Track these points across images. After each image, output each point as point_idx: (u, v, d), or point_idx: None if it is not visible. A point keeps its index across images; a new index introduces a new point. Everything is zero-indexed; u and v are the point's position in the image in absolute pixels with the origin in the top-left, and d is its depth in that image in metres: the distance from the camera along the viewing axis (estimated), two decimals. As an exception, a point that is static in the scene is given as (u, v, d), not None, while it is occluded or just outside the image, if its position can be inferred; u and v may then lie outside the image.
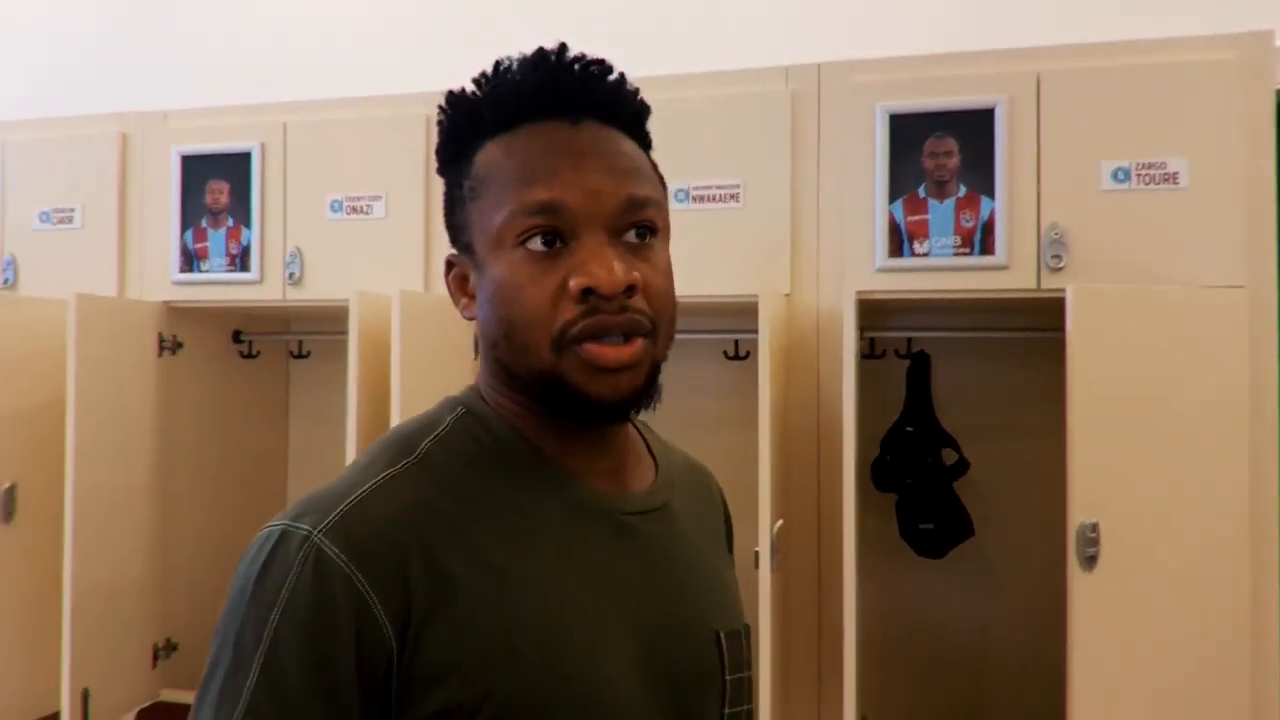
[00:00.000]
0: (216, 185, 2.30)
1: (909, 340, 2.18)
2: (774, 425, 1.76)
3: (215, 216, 2.30)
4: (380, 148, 2.19)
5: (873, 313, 2.13)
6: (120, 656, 2.19)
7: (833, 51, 2.05)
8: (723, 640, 0.85)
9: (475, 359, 1.86)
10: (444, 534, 0.74)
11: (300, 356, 2.66)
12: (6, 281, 2.43)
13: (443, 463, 0.79)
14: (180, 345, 2.37)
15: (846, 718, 1.64)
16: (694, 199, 2.00)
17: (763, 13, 2.49)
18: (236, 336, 2.58)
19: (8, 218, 2.45)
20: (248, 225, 2.27)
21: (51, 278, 2.38)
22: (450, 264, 0.85)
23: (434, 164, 0.88)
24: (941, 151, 1.84)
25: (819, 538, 1.96)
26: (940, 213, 1.84)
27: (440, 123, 0.84)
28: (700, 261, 1.98)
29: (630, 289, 0.75)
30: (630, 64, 2.52)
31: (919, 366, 2.17)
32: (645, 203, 0.78)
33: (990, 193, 1.81)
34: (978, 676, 2.18)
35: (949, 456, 2.13)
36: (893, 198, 1.87)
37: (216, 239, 2.29)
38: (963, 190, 1.83)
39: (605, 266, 0.74)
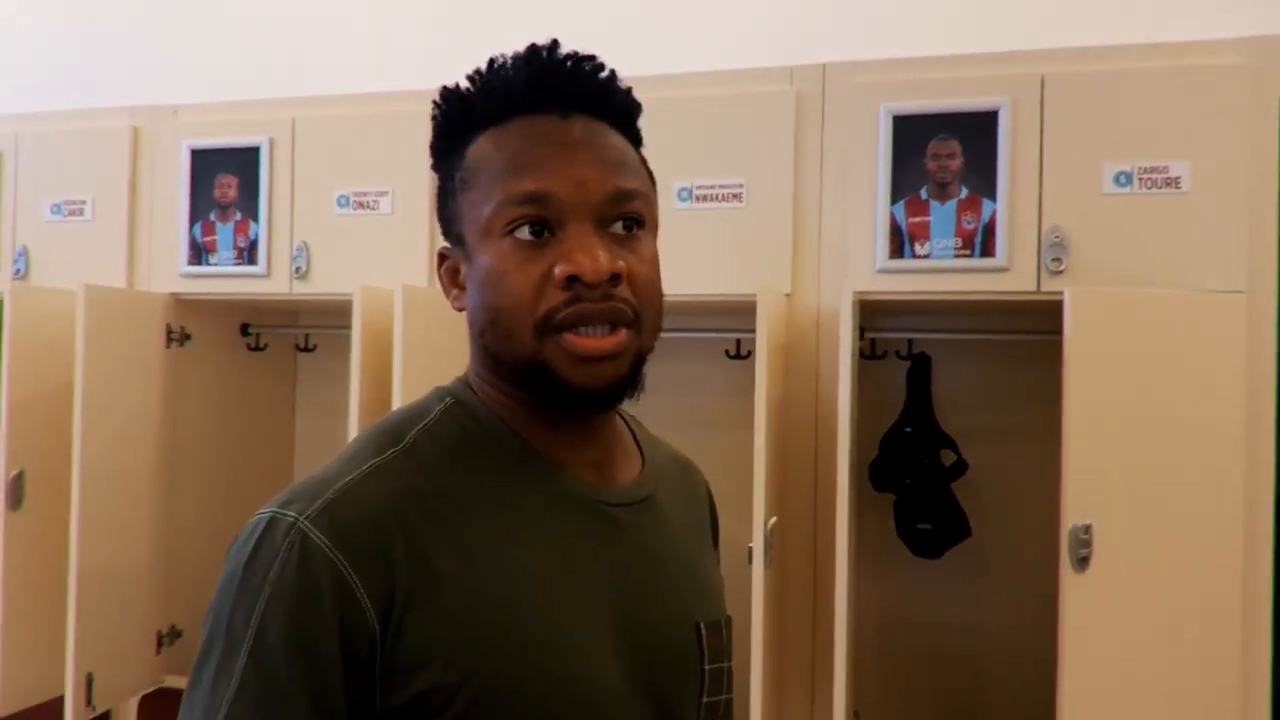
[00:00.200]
0: (225, 179, 2.32)
1: (910, 342, 2.18)
2: (771, 423, 1.77)
3: (224, 210, 2.32)
4: (387, 143, 2.21)
5: (874, 313, 2.13)
6: (124, 642, 2.22)
7: (837, 52, 2.05)
8: (702, 630, 0.86)
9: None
10: (428, 521, 0.76)
11: (307, 350, 2.68)
12: (18, 272, 2.46)
13: (429, 452, 0.80)
14: (188, 337, 2.39)
15: (836, 712, 1.65)
16: (697, 198, 2.01)
17: (768, 13, 2.50)
18: (244, 329, 2.61)
19: (20, 209, 2.48)
20: (255, 219, 2.29)
21: (62, 269, 2.41)
22: (443, 256, 0.87)
23: None
24: (944, 153, 1.84)
25: (815, 536, 1.97)
26: (942, 214, 1.84)
27: (434, 117, 0.86)
28: (702, 260, 1.99)
29: (615, 278, 0.76)
30: (636, 63, 2.53)
31: (919, 368, 2.17)
32: (632, 195, 0.80)
33: (992, 195, 1.82)
34: (974, 676, 2.18)
35: (948, 457, 2.13)
36: (895, 199, 1.87)
37: (225, 232, 2.32)
38: (964, 192, 1.83)
39: (590, 255, 0.76)
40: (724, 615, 0.92)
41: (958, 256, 1.83)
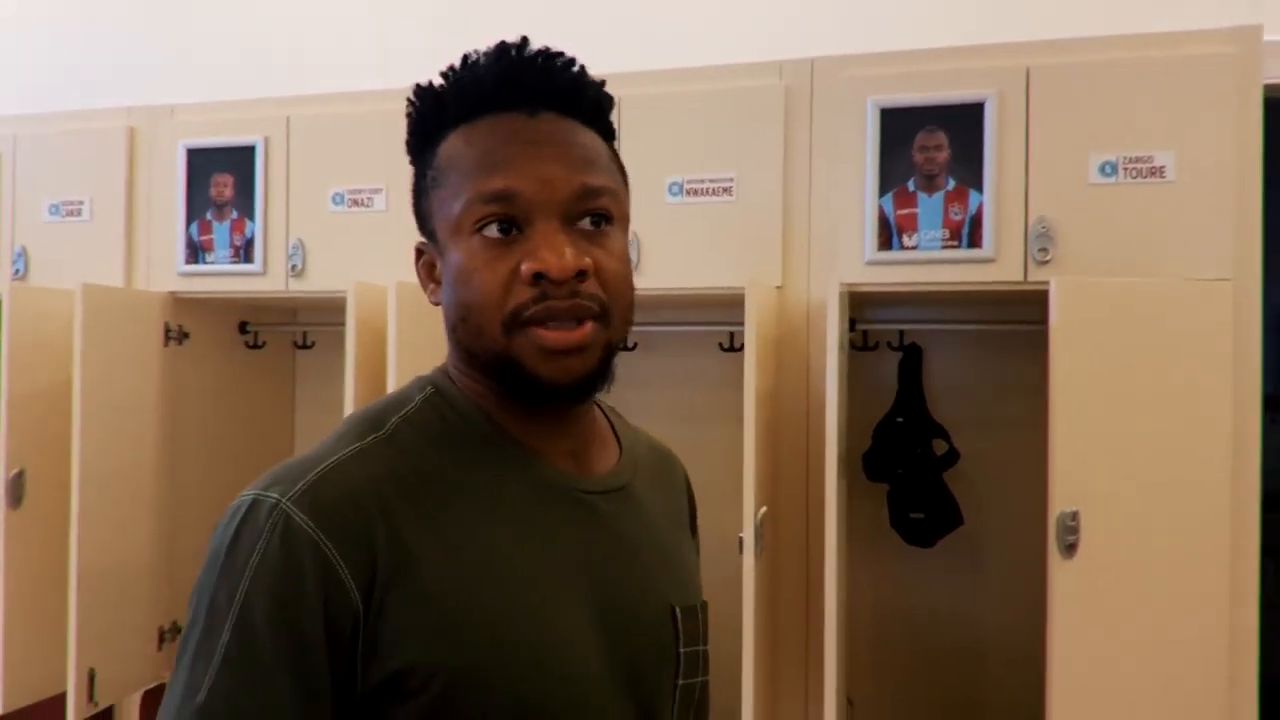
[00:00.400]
0: (221, 178, 2.34)
1: (901, 333, 2.20)
2: (762, 415, 1.79)
3: (220, 209, 2.34)
4: (380, 141, 2.22)
5: (865, 305, 2.15)
6: (126, 638, 2.24)
7: (825, 47, 2.07)
8: (677, 615, 0.88)
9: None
10: (407, 506, 0.77)
11: (305, 347, 2.70)
12: (17, 273, 2.48)
13: (409, 439, 0.82)
14: (186, 335, 2.41)
15: (828, 699, 1.67)
16: (688, 192, 2.02)
17: (757, 9, 2.51)
18: (243, 327, 2.63)
19: (18, 210, 2.50)
20: (251, 218, 2.31)
21: (61, 269, 2.43)
22: (419, 252, 0.89)
23: None
24: (931, 145, 1.86)
25: (807, 526, 1.99)
26: (929, 206, 1.86)
27: (409, 114, 0.87)
28: (693, 254, 2.01)
29: (581, 274, 0.78)
30: (629, 59, 2.55)
31: (910, 358, 2.19)
32: (599, 191, 0.81)
33: (979, 186, 1.83)
34: (967, 661, 2.20)
35: (939, 447, 2.15)
36: (883, 191, 1.89)
37: (221, 231, 2.34)
38: (951, 184, 1.85)
39: (556, 252, 0.77)
40: (700, 600, 0.93)
41: (945, 248, 1.85)
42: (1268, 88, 1.76)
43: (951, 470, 2.14)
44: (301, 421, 2.75)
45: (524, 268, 0.77)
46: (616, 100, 2.21)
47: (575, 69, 0.85)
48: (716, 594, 2.01)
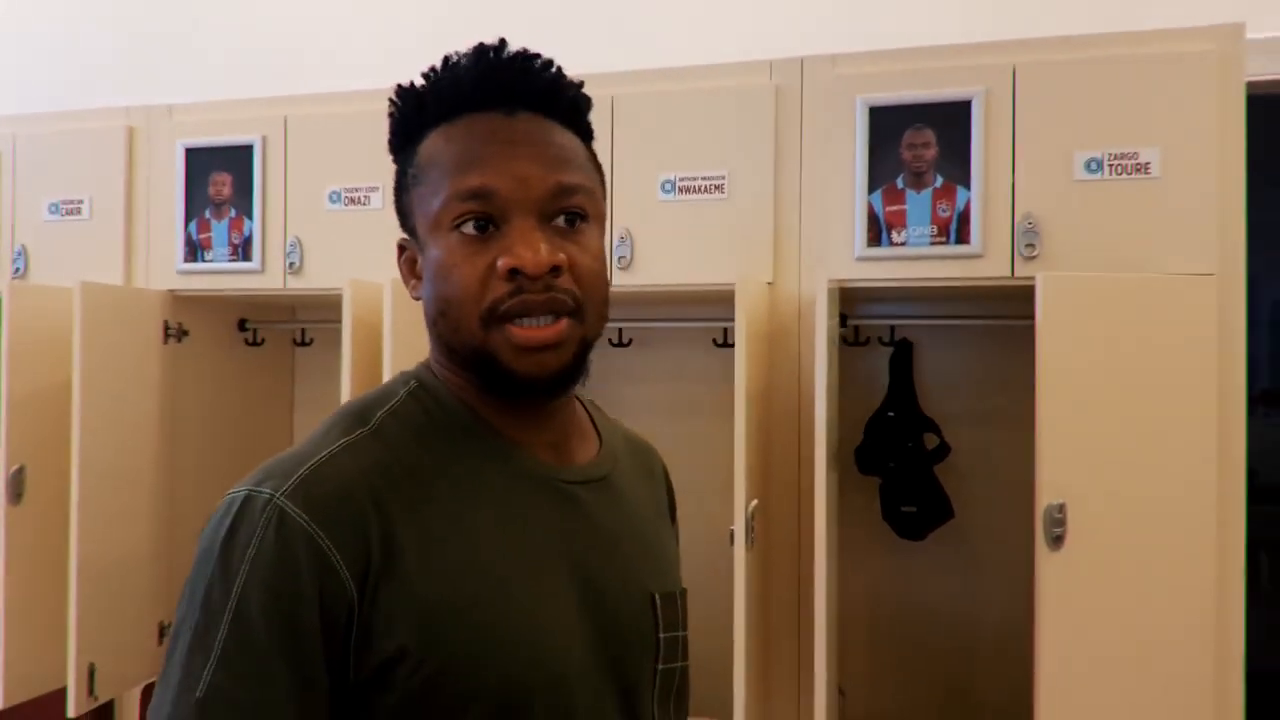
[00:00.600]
0: (219, 177, 2.36)
1: (892, 328, 2.22)
2: (753, 409, 1.81)
3: (218, 207, 2.36)
4: (377, 140, 2.20)
5: (856, 300, 2.18)
6: (125, 634, 2.25)
7: (815, 46, 2.09)
8: (657, 601, 0.91)
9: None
10: (395, 498, 0.79)
11: (304, 344, 2.72)
12: (17, 271, 2.50)
13: (395, 432, 0.84)
14: (186, 333, 2.43)
15: (817, 688, 1.69)
16: (680, 190, 2.04)
17: (747, 8, 2.54)
18: (242, 325, 2.65)
19: (18, 209, 2.52)
20: (249, 216, 2.33)
21: (61, 267, 2.45)
22: (402, 248, 0.91)
23: None
24: (919, 143, 1.88)
25: (799, 520, 2.01)
26: (918, 203, 1.88)
27: (391, 114, 0.89)
28: (686, 251, 2.03)
29: (555, 270, 0.80)
30: (620, 58, 2.57)
31: (901, 353, 2.21)
32: (574, 189, 0.83)
33: (966, 183, 1.85)
34: (958, 652, 2.22)
35: (930, 441, 2.18)
36: (872, 188, 1.91)
37: (219, 229, 2.36)
38: (939, 181, 1.87)
39: (531, 248, 0.79)
40: (679, 587, 0.96)
41: (934, 244, 1.87)
42: (1250, 84, 1.78)
43: (942, 464, 2.17)
44: (300, 418, 2.77)
45: (500, 263, 0.80)
46: (610, 99, 2.25)
47: (553, 70, 0.87)
48: (710, 586, 2.05)
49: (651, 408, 2.41)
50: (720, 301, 2.01)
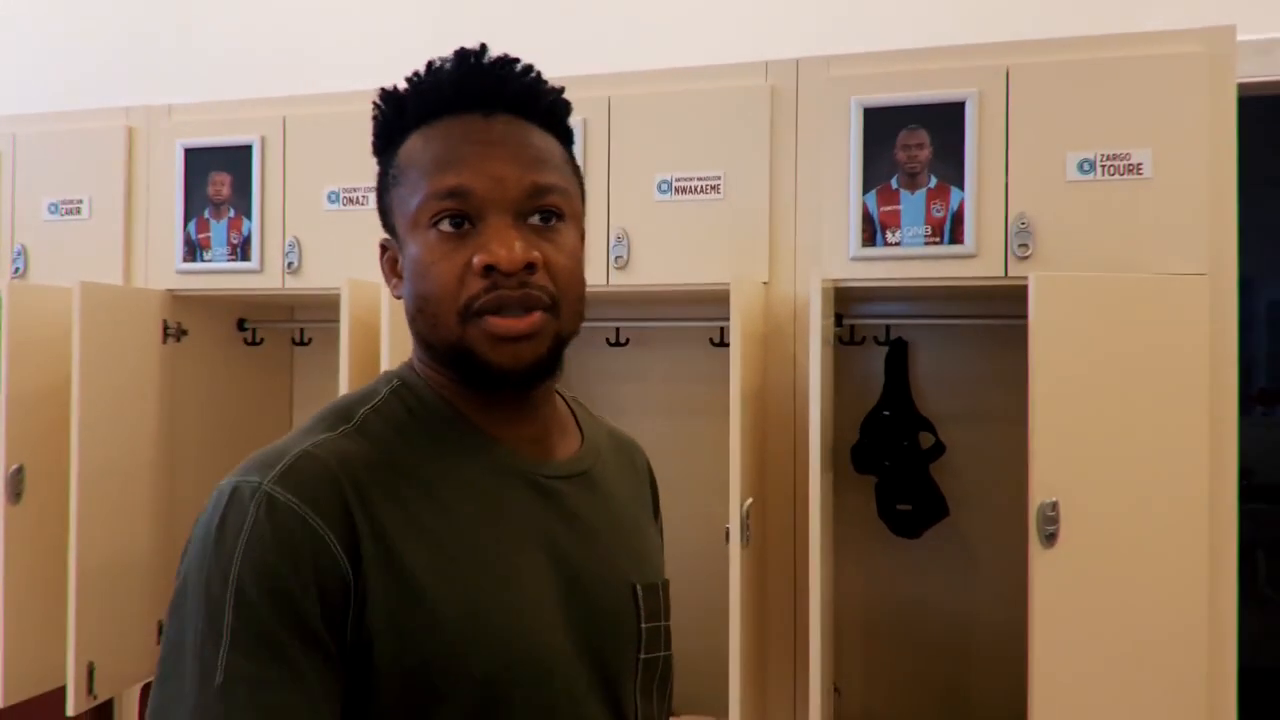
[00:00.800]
0: (219, 177, 2.37)
1: (887, 327, 2.23)
2: (748, 408, 1.82)
3: (217, 207, 2.37)
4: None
5: (851, 300, 2.19)
6: (125, 632, 2.26)
7: (811, 47, 2.10)
8: (638, 592, 0.92)
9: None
10: (379, 490, 0.80)
11: (302, 344, 2.74)
12: (17, 271, 2.51)
13: (378, 429, 0.85)
14: (185, 332, 2.44)
15: (812, 686, 1.70)
16: (676, 190, 2.06)
17: (743, 10, 2.55)
18: (241, 324, 2.66)
19: (18, 209, 2.53)
20: (248, 216, 2.34)
21: (60, 267, 2.46)
22: (384, 248, 0.92)
23: None
24: (913, 144, 1.89)
25: (795, 518, 2.02)
26: (912, 203, 1.89)
27: (374, 117, 0.91)
28: (682, 251, 2.04)
29: (530, 267, 0.82)
30: (617, 60, 2.58)
31: (897, 353, 2.22)
32: (549, 189, 0.85)
33: (960, 184, 1.87)
34: (953, 649, 2.24)
35: (926, 440, 2.19)
36: (866, 188, 1.92)
37: (218, 229, 2.37)
38: (933, 181, 1.88)
39: (506, 246, 0.81)
40: (661, 579, 0.98)
41: (928, 244, 1.88)
42: (1241, 86, 1.79)
43: (937, 463, 2.18)
44: (299, 417, 2.77)
45: (475, 260, 0.82)
46: (607, 100, 2.26)
47: (532, 75, 0.89)
48: (706, 584, 2.07)
49: (649, 407, 2.42)
50: (716, 301, 2.02)
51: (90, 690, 2.15)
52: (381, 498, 0.80)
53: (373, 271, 2.09)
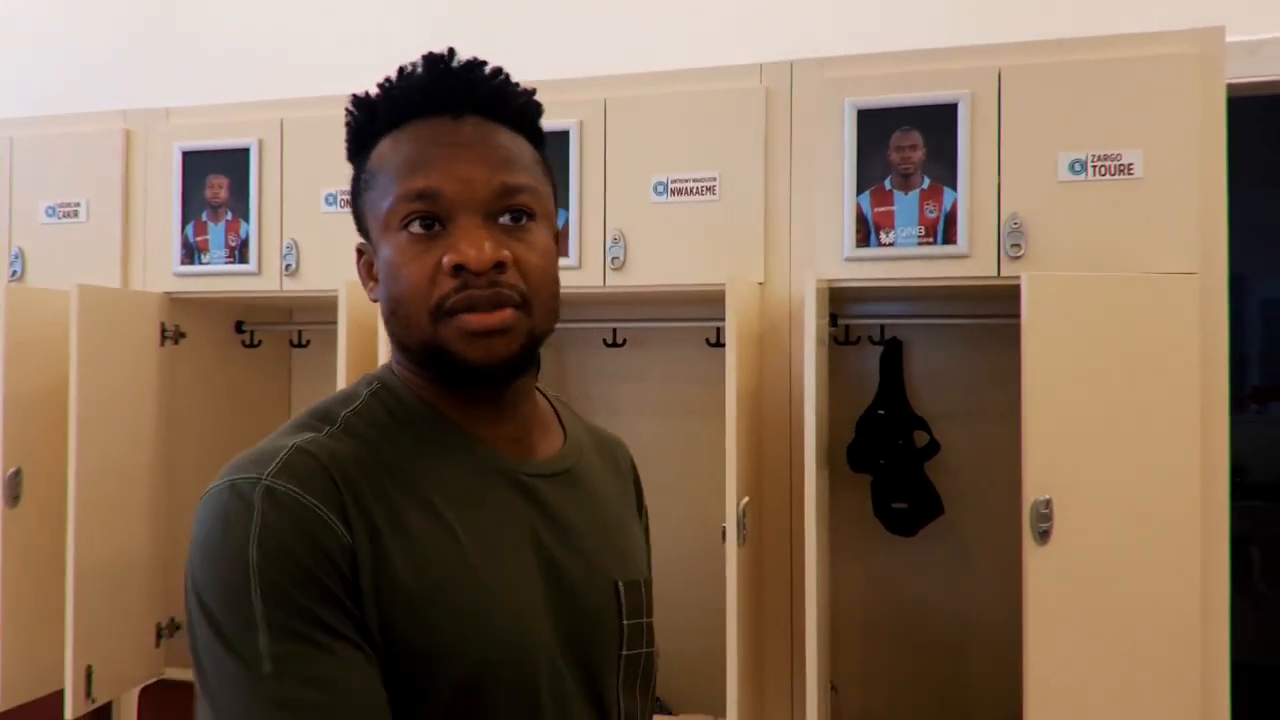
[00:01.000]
0: (216, 180, 2.38)
1: (882, 327, 2.25)
2: (743, 408, 1.83)
3: (215, 210, 2.38)
4: (371, 143, 2.26)
5: (846, 300, 2.20)
6: (123, 635, 2.27)
7: (805, 49, 2.12)
8: (620, 589, 0.93)
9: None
10: (367, 484, 0.81)
11: (300, 346, 2.74)
12: (14, 274, 2.52)
13: (359, 430, 0.86)
14: (183, 335, 2.45)
15: (809, 684, 1.71)
16: (672, 191, 2.07)
17: (738, 13, 2.57)
18: (239, 327, 2.67)
19: (15, 212, 2.53)
20: (246, 219, 2.35)
21: (58, 270, 2.47)
22: (360, 252, 0.93)
23: None
24: (907, 145, 1.91)
25: (791, 517, 2.03)
26: (905, 204, 1.91)
27: (346, 123, 0.93)
28: (678, 252, 2.05)
29: (500, 266, 0.83)
30: (613, 62, 2.59)
31: (891, 352, 2.24)
32: (519, 189, 0.86)
33: (953, 184, 1.88)
34: (949, 646, 2.25)
35: (920, 438, 2.20)
36: (860, 189, 1.94)
37: (216, 232, 2.38)
38: (927, 182, 1.90)
39: (475, 245, 0.82)
40: (644, 576, 0.99)
41: (921, 244, 1.90)
42: (1231, 86, 1.81)
43: (932, 461, 2.19)
44: (296, 420, 2.78)
45: (445, 260, 0.82)
46: (604, 102, 2.27)
47: (500, 77, 0.90)
48: (703, 583, 2.07)
49: (645, 407, 2.43)
50: (712, 302, 2.04)
51: (88, 693, 2.15)
52: (370, 495, 0.81)
53: (370, 273, 2.11)
